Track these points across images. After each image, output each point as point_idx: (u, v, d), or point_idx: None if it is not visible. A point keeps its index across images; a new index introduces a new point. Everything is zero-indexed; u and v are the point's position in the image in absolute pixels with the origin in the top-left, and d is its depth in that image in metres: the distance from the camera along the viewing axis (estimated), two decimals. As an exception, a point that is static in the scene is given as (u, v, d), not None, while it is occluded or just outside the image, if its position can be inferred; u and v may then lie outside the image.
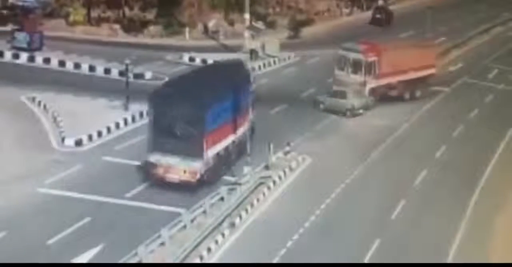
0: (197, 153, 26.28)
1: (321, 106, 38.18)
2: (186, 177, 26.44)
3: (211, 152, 27.07)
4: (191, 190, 26.56)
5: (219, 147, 27.80)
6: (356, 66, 39.31)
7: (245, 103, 29.32)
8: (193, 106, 26.30)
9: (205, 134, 26.45)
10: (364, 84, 39.03)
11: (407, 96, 41.28)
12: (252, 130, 30.83)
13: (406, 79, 40.77)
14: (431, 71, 42.59)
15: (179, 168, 26.46)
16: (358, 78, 39.17)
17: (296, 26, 55.82)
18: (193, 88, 27.25)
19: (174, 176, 26.53)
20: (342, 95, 37.98)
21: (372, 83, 39.38)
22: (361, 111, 38.07)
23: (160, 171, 26.70)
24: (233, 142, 28.91)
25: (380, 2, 65.42)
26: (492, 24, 63.30)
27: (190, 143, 26.20)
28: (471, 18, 63.76)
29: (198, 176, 26.43)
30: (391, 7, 65.39)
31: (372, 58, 39.27)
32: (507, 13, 67.59)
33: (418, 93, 41.86)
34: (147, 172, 27.24)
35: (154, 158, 26.79)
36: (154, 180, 26.97)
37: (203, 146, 26.40)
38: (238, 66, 31.74)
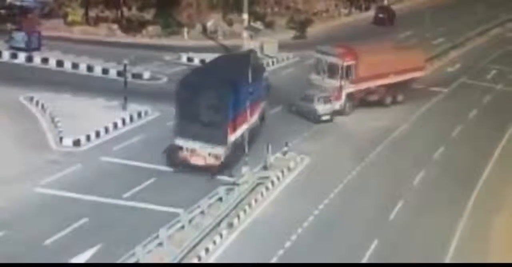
0: (221, 139, 28.00)
1: (293, 108, 37.47)
2: (210, 160, 28.11)
3: (232, 138, 28.63)
4: (212, 174, 28.08)
5: (238, 133, 29.24)
6: (332, 70, 37.68)
7: (259, 92, 30.93)
8: (218, 95, 28.04)
9: (229, 121, 28.20)
10: (340, 89, 37.49)
11: (388, 100, 39.89)
12: (263, 117, 32.77)
13: (387, 83, 39.20)
14: (417, 74, 41.01)
15: (203, 152, 28.17)
16: (334, 82, 37.53)
17: (303, 26, 55.83)
18: (217, 78, 28.98)
19: (198, 160, 28.28)
20: (310, 99, 36.72)
21: (349, 88, 37.81)
22: (327, 117, 36.54)
23: (185, 154, 28.39)
24: (247, 129, 29.58)
25: (385, 2, 65.45)
26: (491, 25, 63.43)
27: (214, 129, 27.84)
28: (470, 19, 63.85)
29: (221, 160, 28.09)
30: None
31: (349, 62, 37.58)
32: (505, 14, 67.71)
33: (400, 97, 40.41)
34: (173, 155, 28.90)
35: (180, 142, 28.44)
36: (179, 163, 28.57)
37: (227, 132, 28.12)
38: (252, 56, 32.34)
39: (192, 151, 28.30)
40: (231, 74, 29.23)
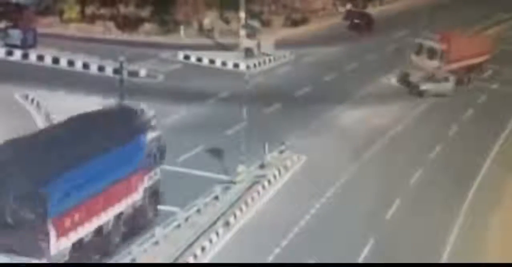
0: (40, 246, 18.83)
1: None
2: None
3: (67, 242, 19.62)
4: None
5: (79, 234, 20.11)
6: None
7: (131, 162, 22.61)
8: (29, 179, 18.93)
9: (51, 218, 18.89)
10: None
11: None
12: (155, 193, 24.49)
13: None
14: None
15: None
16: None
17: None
18: (36, 153, 20.10)
19: None
20: None
21: None
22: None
23: None
24: (117, 217, 21.99)
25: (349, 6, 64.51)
26: (487, 24, 63.38)
27: (28, 233, 18.77)
28: (466, 18, 63.79)
29: None
30: (385, 7, 65.57)
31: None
32: (501, 13, 67.70)
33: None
34: None
35: None
36: None
37: (48, 236, 18.87)
38: (121, 114, 24.38)
39: None
40: (63, 149, 20.29)
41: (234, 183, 27.48)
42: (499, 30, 63.30)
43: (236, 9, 50.14)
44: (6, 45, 42.78)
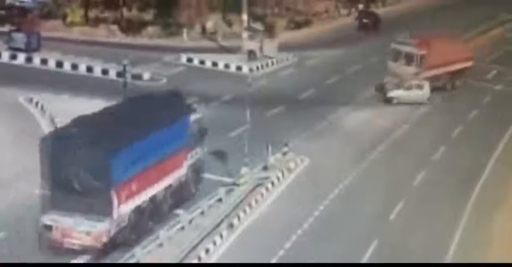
0: (103, 211, 21.60)
1: None
2: (89, 241, 21.65)
3: (126, 208, 22.34)
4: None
5: (140, 199, 23.00)
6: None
7: (178, 141, 25.00)
8: (95, 154, 21.47)
9: (114, 186, 21.64)
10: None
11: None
12: (199, 168, 27.09)
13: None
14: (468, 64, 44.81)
15: (80, 230, 21.65)
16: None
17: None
18: (100, 129, 22.66)
19: (74, 241, 21.75)
20: None
21: None
22: None
23: (56, 235, 21.84)
24: (166, 189, 24.61)
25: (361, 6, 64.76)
26: (491, 25, 63.37)
27: (94, 199, 21.57)
28: (470, 19, 63.82)
29: (105, 239, 21.65)
30: (387, 8, 65.49)
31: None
32: (505, 14, 67.69)
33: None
34: (40, 236, 22.10)
35: (49, 218, 21.99)
36: (50, 246, 21.99)
37: (111, 202, 21.61)
38: (169, 97, 26.73)
39: (65, 229, 21.64)
40: (123, 124, 23.20)
41: (238, 185, 27.51)
42: (503, 31, 63.31)
43: (239, 11, 50.30)
44: (10, 48, 42.99)
